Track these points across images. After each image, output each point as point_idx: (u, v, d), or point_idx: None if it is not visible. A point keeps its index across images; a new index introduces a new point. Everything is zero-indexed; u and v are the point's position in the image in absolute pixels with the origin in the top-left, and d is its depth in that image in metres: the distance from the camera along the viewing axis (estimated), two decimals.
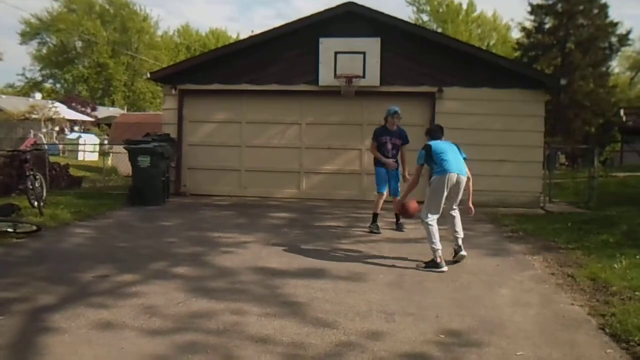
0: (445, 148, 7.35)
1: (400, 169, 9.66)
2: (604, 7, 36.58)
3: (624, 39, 37.74)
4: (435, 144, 7.41)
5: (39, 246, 8.03)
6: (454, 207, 7.41)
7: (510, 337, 4.65)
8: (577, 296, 5.85)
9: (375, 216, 9.65)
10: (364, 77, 13.45)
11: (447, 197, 7.19)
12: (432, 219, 7.10)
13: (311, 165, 14.25)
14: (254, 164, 14.32)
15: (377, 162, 9.66)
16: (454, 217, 7.43)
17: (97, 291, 5.73)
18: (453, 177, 7.11)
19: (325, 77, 13.66)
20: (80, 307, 5.16)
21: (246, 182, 14.40)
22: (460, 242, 7.38)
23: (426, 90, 13.67)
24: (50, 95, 56.49)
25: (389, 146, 9.63)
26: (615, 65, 47.76)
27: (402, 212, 8.28)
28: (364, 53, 13.57)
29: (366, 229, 9.64)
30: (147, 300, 5.44)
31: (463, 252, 7.33)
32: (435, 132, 7.82)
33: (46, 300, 5.39)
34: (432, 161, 7.30)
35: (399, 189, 9.52)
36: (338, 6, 13.94)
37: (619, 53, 42.25)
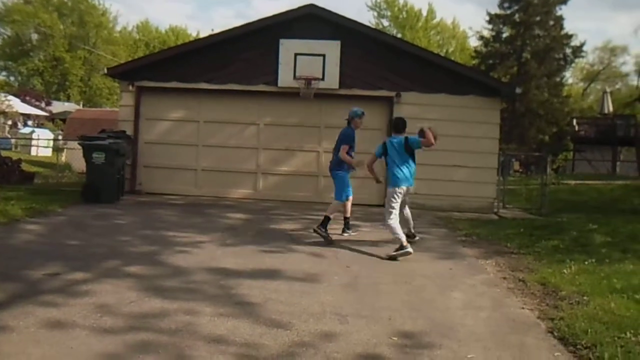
0: None
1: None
2: (560, 19, 37.51)
3: (578, 51, 38.76)
4: None
5: None
6: None
7: (461, 340, 4.71)
8: (527, 300, 5.97)
9: (347, 220, 9.49)
10: (323, 79, 13.48)
11: None
12: None
13: (268, 166, 14.23)
14: (210, 164, 14.22)
15: (341, 168, 9.24)
16: None
17: (47, 289, 5.61)
18: None
19: (285, 78, 13.65)
20: (29, 306, 5.05)
21: (202, 182, 14.29)
22: None
23: (385, 94, 13.78)
24: (3, 88, 54.86)
25: (355, 149, 9.32)
26: (569, 76, 49.08)
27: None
28: (323, 55, 13.61)
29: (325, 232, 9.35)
30: (98, 299, 5.35)
31: None
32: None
33: None
34: None
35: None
36: (299, 8, 13.96)
37: (573, 64, 43.49)
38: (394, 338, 4.69)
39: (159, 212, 11.44)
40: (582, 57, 41.65)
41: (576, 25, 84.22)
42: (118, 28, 68.74)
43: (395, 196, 7.97)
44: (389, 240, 8.22)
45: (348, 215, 9.49)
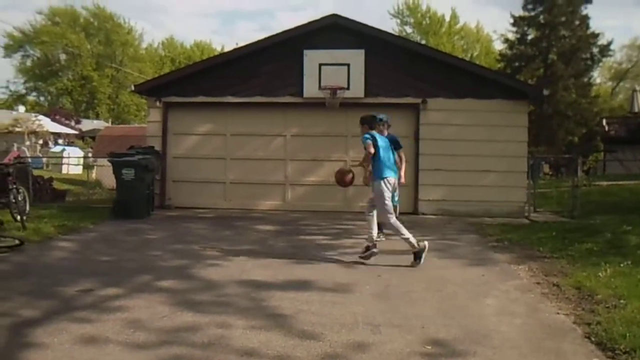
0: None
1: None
2: (585, 18, 36.97)
3: (605, 50, 38.15)
4: None
5: (22, 260, 7.95)
6: None
7: (496, 347, 4.64)
8: (562, 305, 5.87)
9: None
10: (348, 88, 13.45)
11: None
12: None
13: (296, 177, 14.23)
14: (238, 176, 14.28)
15: None
16: None
17: (80, 305, 5.67)
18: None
19: (310, 88, 13.67)
20: (63, 322, 5.11)
21: (231, 195, 14.34)
22: None
23: (410, 101, 13.70)
24: (34, 108, 56.05)
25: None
26: (597, 76, 48.39)
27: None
28: (348, 65, 13.59)
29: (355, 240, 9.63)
30: (131, 314, 5.39)
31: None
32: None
33: (29, 315, 5.33)
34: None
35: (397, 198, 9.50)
36: (323, 18, 13.99)
37: (601, 64, 42.79)
38: (428, 347, 4.64)
39: (189, 226, 11.50)
40: (610, 55, 40.97)
41: (602, 23, 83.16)
42: (144, 45, 69.83)
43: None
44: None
45: None
